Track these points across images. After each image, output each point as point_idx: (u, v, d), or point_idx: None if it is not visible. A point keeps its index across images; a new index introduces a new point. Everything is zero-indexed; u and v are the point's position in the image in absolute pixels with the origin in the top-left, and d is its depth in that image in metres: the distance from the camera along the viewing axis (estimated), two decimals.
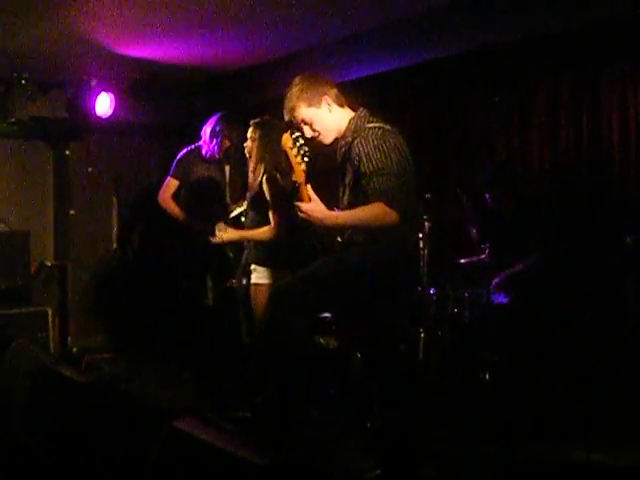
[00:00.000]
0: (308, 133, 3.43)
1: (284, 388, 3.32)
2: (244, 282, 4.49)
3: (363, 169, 3.24)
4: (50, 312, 5.95)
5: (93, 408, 2.98)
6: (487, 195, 4.74)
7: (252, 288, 4.38)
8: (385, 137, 3.29)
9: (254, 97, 6.18)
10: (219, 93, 6.58)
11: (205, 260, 5.54)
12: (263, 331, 3.67)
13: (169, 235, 5.87)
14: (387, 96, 5.28)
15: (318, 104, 3.40)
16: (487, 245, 4.70)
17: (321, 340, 4.24)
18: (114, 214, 6.94)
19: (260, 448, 2.21)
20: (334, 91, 3.46)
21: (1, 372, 3.72)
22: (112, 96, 6.01)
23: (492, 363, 4.23)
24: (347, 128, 3.41)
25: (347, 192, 3.42)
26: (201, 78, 6.51)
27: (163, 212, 5.60)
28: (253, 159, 4.42)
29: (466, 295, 4.46)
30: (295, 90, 3.42)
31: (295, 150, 3.27)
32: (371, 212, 3.20)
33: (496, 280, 4.49)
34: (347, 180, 3.41)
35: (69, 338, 6.52)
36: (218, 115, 5.41)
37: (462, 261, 4.75)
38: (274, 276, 4.31)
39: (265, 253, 4.37)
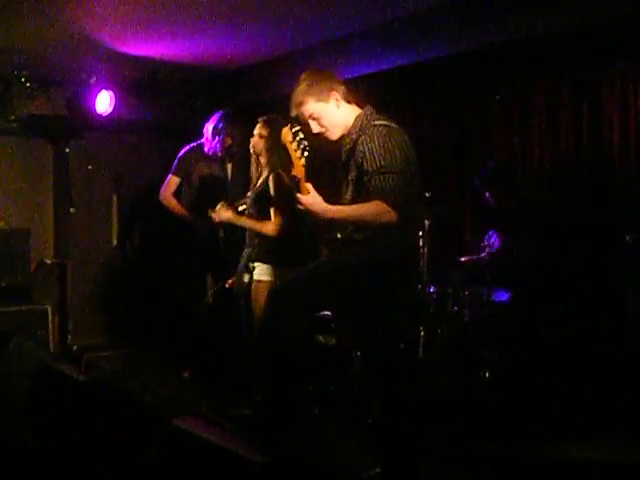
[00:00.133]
0: (315, 129, 3.40)
1: (284, 386, 3.32)
2: (245, 279, 4.49)
3: (366, 166, 3.24)
4: (50, 310, 5.93)
5: (93, 406, 2.98)
6: (487, 194, 4.75)
7: (253, 285, 4.38)
8: (391, 135, 3.29)
9: (255, 95, 6.17)
10: (220, 91, 6.57)
11: (205, 259, 5.54)
12: (263, 329, 3.67)
13: (169, 234, 5.87)
14: (387, 95, 5.28)
15: (327, 99, 3.38)
16: (491, 234, 4.72)
17: (321, 338, 4.25)
18: (114, 212, 6.95)
19: (260, 446, 2.20)
20: (342, 87, 3.43)
21: (1, 370, 3.72)
22: (112, 94, 5.99)
23: (492, 362, 4.23)
24: (353, 125, 3.39)
25: (350, 188, 3.41)
26: (202, 76, 6.51)
27: (163, 210, 5.60)
28: (263, 156, 4.41)
29: (466, 293, 4.47)
30: (303, 85, 3.39)
31: (295, 144, 3.25)
32: (370, 209, 3.21)
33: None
34: (350, 177, 3.39)
35: (69, 336, 6.49)
36: (220, 113, 5.39)
37: (462, 259, 4.76)
38: (276, 273, 4.31)
39: (267, 250, 4.37)
